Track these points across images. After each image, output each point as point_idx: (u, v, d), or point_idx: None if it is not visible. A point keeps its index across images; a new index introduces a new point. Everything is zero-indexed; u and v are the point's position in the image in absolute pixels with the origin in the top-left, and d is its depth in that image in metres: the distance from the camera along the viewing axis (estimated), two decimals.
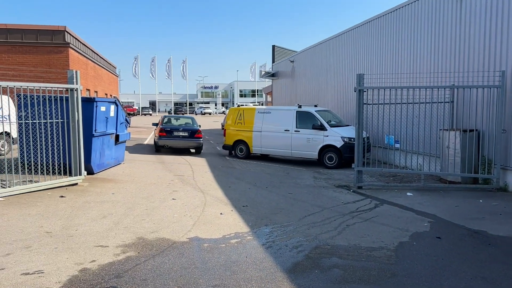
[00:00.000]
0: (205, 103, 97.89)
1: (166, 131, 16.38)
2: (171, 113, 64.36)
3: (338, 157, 13.27)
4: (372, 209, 7.95)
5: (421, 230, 6.60)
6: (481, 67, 10.05)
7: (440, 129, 10.47)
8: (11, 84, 8.37)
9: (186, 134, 16.49)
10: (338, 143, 13.27)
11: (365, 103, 10.04)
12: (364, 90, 9.96)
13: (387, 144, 12.03)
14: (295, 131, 14.07)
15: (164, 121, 17.81)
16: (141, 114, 69.02)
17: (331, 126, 13.77)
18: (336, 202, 8.52)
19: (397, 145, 11.73)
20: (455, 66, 10.95)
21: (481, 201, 8.63)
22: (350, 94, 16.49)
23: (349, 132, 13.50)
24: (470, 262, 5.25)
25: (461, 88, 10.00)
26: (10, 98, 10.19)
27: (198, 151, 17.02)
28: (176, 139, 16.41)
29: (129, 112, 58.12)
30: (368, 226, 6.80)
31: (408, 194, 9.37)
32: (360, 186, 10.02)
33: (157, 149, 16.86)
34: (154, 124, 18.67)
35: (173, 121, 18.41)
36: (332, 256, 5.33)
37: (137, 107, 71.92)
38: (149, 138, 23.29)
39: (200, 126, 17.51)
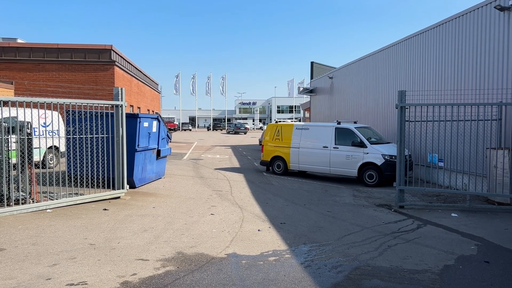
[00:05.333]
0: (243, 119, 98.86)
1: (234, 127, 60.84)
2: (210, 128, 79.09)
3: (379, 175, 12.97)
4: (415, 230, 7.69)
5: (467, 253, 6.30)
6: None
7: (486, 148, 10.04)
8: (61, 100, 8.81)
9: (243, 129, 60.19)
10: (379, 161, 12.99)
11: (407, 120, 9.81)
12: (406, 107, 9.74)
13: (430, 162, 11.65)
14: (333, 147, 13.92)
15: (234, 125, 61.60)
16: (181, 130, 70.52)
17: (371, 143, 13.52)
18: (376, 222, 8.31)
19: (441, 164, 11.34)
20: (503, 82, 10.54)
21: None
22: (391, 111, 16.19)
23: (390, 149, 13.21)
24: None
25: (510, 105, 9.58)
26: (59, 114, 10.69)
27: (245, 133, 58.74)
28: (239, 129, 59.78)
29: (170, 127, 59.69)
30: (411, 247, 6.57)
31: (453, 215, 9.01)
32: (402, 206, 9.73)
33: (234, 133, 58.78)
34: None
35: (238, 126, 60.88)
36: (373, 278, 5.17)
37: (177, 123, 73.61)
38: (189, 153, 23.72)
39: (248, 128, 64.68)
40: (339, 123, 14.39)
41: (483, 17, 11.33)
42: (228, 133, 60.55)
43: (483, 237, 7.22)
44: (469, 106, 10.00)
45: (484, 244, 6.82)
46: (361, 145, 13.37)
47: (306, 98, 50.08)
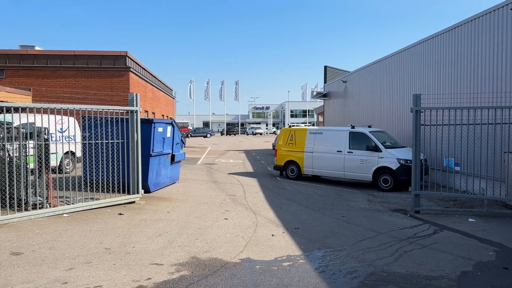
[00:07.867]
0: (257, 123, 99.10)
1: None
2: (223, 133, 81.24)
3: (394, 180, 12.83)
4: (431, 235, 7.58)
5: (485, 259, 6.18)
6: None
7: (504, 152, 9.87)
8: (77, 106, 8.94)
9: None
10: (394, 165, 12.86)
11: (423, 124, 9.70)
12: (422, 110, 9.64)
13: (446, 166, 11.48)
14: (348, 152, 13.83)
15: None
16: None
17: (386, 147, 13.39)
18: (392, 227, 8.21)
19: (457, 168, 11.17)
20: None
21: None
22: (406, 115, 16.03)
23: (405, 153, 13.07)
24: None
25: None
26: (75, 120, 10.85)
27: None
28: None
29: (184, 132, 60.07)
30: (427, 253, 6.47)
31: (470, 220, 8.86)
32: (418, 211, 9.61)
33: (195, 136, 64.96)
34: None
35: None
36: (388, 284, 5.11)
37: (191, 128, 74.06)
38: (203, 158, 23.81)
39: (214, 131, 74.58)
40: (353, 127, 14.30)
41: (499, 19, 11.17)
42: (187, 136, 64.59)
43: (502, 242, 7.08)
44: (486, 110, 9.86)
45: (502, 250, 6.68)
46: (376, 149, 13.26)
47: (319, 102, 49.93)
